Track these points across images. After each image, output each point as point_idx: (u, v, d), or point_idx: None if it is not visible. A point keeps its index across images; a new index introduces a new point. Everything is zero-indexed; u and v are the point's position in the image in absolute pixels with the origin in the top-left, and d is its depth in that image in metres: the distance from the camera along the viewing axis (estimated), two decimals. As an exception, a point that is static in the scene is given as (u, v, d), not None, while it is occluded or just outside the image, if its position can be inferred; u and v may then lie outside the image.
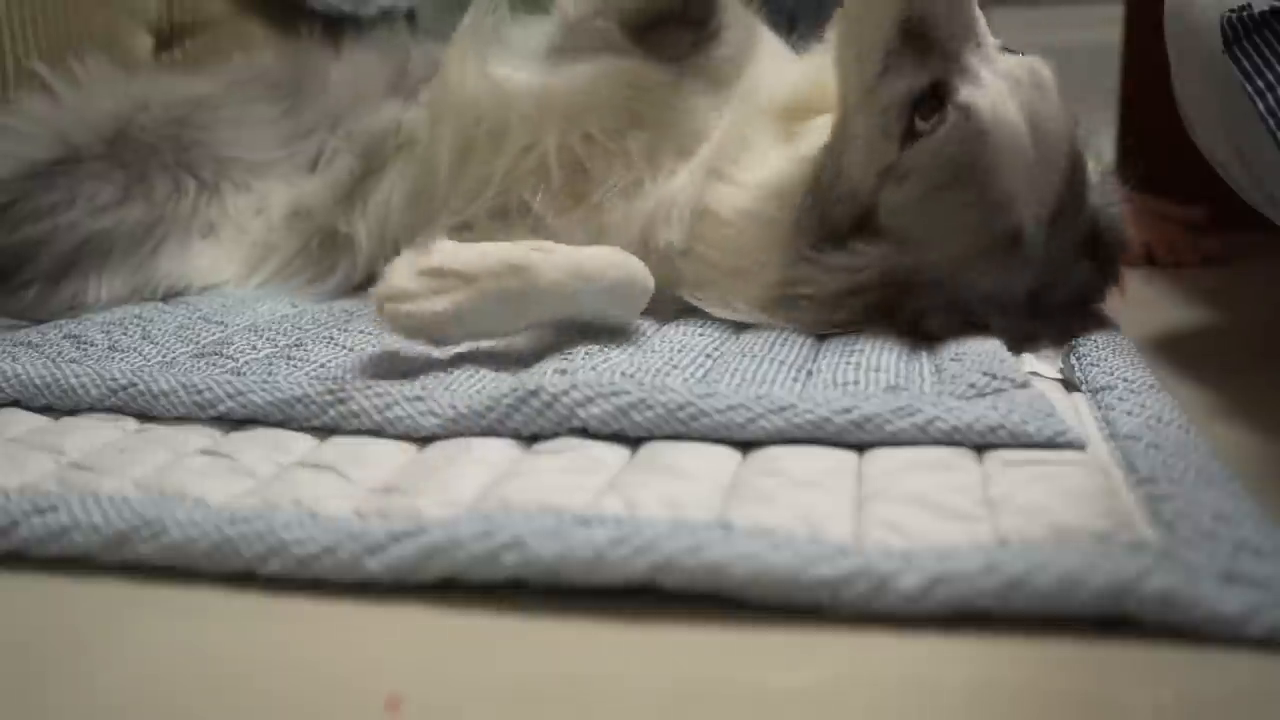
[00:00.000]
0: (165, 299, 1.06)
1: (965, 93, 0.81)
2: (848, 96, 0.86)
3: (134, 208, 1.03)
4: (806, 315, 0.85)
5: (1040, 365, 0.81)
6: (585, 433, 0.68)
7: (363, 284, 1.09)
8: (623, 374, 0.74)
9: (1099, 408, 0.72)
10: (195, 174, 1.07)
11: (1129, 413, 0.69)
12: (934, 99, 0.81)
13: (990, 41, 0.84)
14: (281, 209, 1.09)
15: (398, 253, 1.01)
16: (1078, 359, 0.82)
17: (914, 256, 0.83)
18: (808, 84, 0.94)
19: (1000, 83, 0.82)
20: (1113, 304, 0.96)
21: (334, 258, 1.08)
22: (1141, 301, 1.15)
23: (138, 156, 1.05)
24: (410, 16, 1.53)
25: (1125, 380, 0.75)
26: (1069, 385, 0.77)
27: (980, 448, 0.65)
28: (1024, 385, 0.70)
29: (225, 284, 1.08)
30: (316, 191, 1.08)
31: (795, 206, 0.87)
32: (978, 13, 0.84)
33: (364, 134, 1.07)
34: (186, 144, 1.07)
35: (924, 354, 0.80)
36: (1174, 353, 0.95)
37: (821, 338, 0.85)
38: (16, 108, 1.10)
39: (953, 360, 0.76)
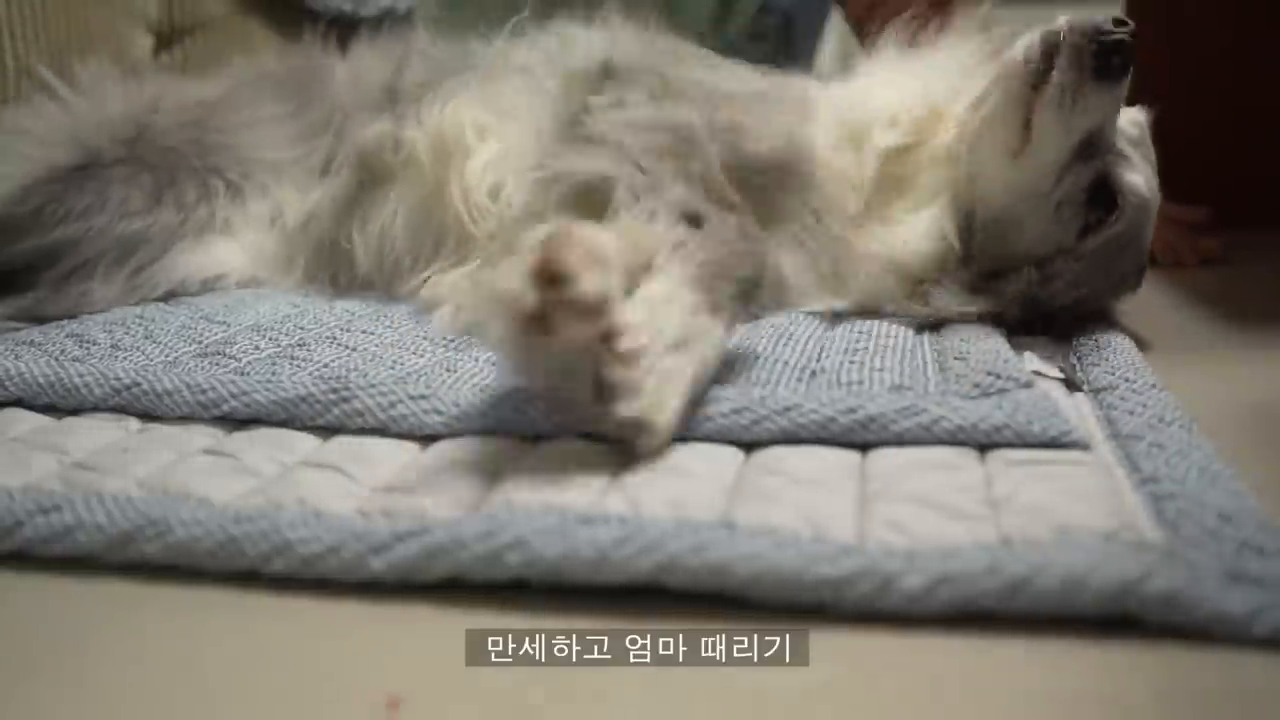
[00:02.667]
0: (176, 295, 1.06)
1: (1128, 179, 0.90)
2: (1013, 191, 0.91)
3: (165, 211, 1.03)
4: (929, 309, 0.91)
5: (1042, 365, 0.81)
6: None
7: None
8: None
9: (1101, 407, 0.72)
10: (223, 176, 1.07)
11: (1131, 412, 0.70)
12: (1102, 187, 0.90)
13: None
14: (296, 217, 1.09)
15: (396, 274, 1.01)
16: (1079, 359, 0.83)
17: (1053, 290, 0.92)
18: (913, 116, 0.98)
19: (1138, 155, 0.93)
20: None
21: (334, 267, 1.09)
22: (1141, 301, 1.15)
23: (164, 160, 1.05)
24: (409, 17, 1.53)
25: (1127, 380, 0.75)
26: (1071, 385, 0.77)
27: (984, 447, 0.65)
28: (1028, 385, 0.71)
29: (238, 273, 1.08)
30: (322, 202, 1.08)
31: (931, 266, 0.93)
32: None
33: (361, 149, 1.07)
34: (210, 146, 1.07)
35: (927, 352, 0.80)
36: (1174, 353, 0.95)
37: (823, 335, 0.85)
38: (29, 111, 1.10)
39: (956, 359, 0.77)
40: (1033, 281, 0.91)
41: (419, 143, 1.02)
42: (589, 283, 0.57)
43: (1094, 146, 0.89)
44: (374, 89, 1.11)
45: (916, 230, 0.94)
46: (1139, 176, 0.91)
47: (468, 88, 1.03)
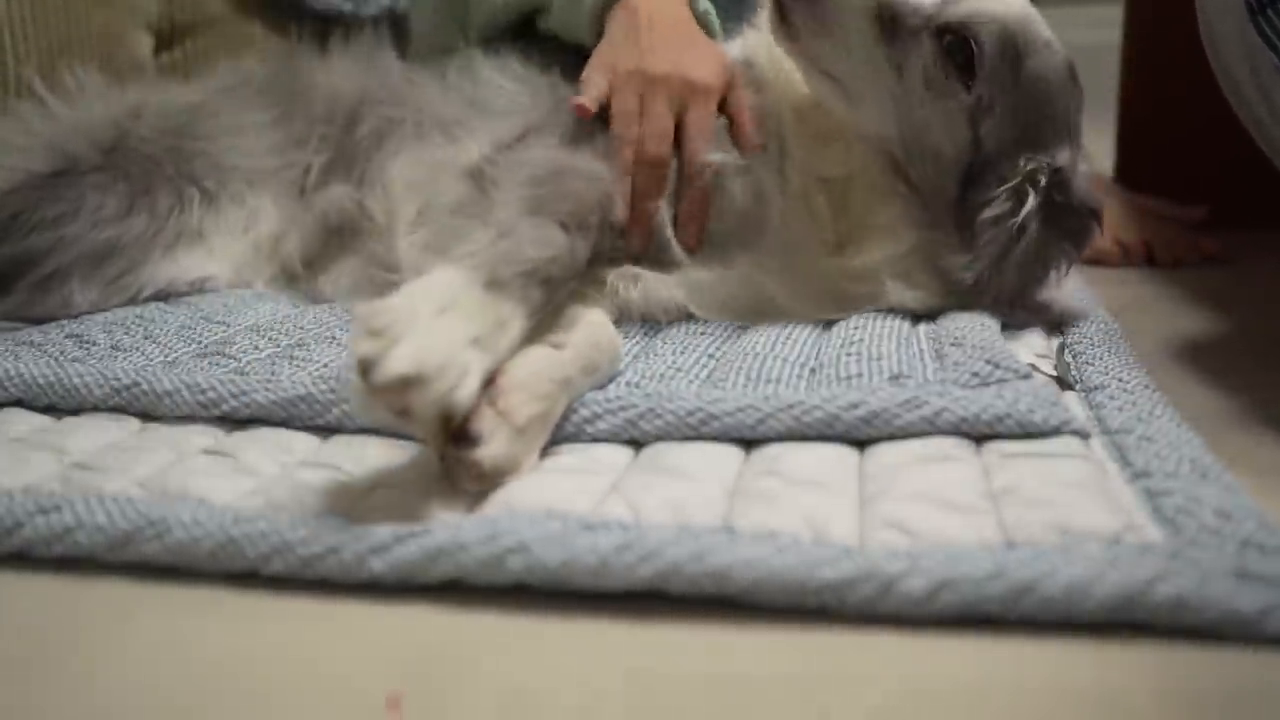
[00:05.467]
0: (158, 298, 1.06)
1: (964, 7, 0.86)
2: (882, 116, 0.89)
3: (137, 220, 1.03)
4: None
5: (1036, 362, 0.81)
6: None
7: None
8: (627, 384, 0.74)
9: (1090, 406, 0.72)
10: (199, 185, 1.07)
11: (1119, 409, 0.70)
12: (946, 34, 0.86)
13: None
14: (270, 230, 1.09)
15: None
16: (1073, 357, 0.83)
17: (1040, 147, 0.87)
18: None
19: None
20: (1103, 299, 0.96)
21: (298, 287, 1.09)
22: (1141, 302, 1.15)
23: (141, 169, 1.05)
24: (406, 18, 1.53)
25: (1119, 380, 0.75)
26: (1062, 384, 0.78)
27: (981, 439, 0.65)
28: (1027, 376, 0.71)
29: (214, 279, 1.09)
30: (290, 234, 1.09)
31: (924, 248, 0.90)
32: None
33: (325, 212, 1.07)
34: (189, 154, 1.07)
35: (923, 340, 0.80)
36: (1173, 353, 0.95)
37: (824, 329, 0.85)
38: (10, 118, 1.10)
39: (953, 345, 0.76)
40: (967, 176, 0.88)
41: (376, 207, 1.04)
42: (492, 450, 0.59)
43: (894, 21, 0.86)
44: (339, 118, 1.11)
45: (888, 226, 0.91)
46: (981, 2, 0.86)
47: (407, 147, 1.05)
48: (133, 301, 1.04)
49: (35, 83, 1.14)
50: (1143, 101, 1.56)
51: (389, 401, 0.56)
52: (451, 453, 0.60)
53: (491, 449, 0.59)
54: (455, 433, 0.59)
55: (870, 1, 0.85)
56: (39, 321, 0.97)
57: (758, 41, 1.01)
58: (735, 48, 1.03)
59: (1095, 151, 1.51)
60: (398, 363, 0.55)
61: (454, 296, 0.63)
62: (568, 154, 0.93)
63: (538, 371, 0.65)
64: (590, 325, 0.76)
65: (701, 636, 0.50)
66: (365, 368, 0.56)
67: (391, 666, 0.49)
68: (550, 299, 0.73)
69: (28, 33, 1.22)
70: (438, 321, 0.60)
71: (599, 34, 1.02)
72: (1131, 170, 1.55)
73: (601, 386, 0.73)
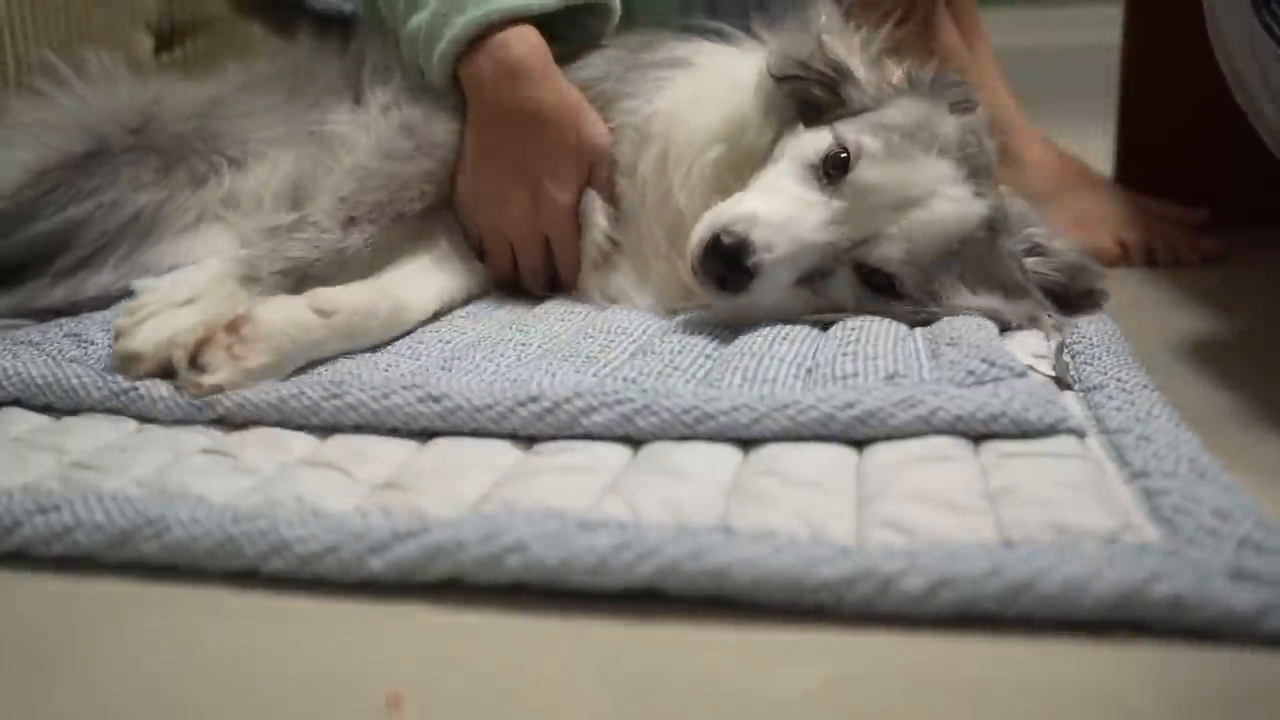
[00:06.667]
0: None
1: (876, 255, 0.86)
2: (793, 310, 0.89)
3: (177, 182, 1.06)
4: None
5: (1035, 362, 0.81)
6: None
7: None
8: (624, 379, 0.74)
9: (1089, 406, 0.72)
10: (225, 155, 1.10)
11: (1118, 408, 0.70)
12: (862, 268, 0.86)
13: None
14: (287, 172, 1.10)
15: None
16: (1072, 357, 0.82)
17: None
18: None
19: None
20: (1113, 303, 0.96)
21: None
22: (1141, 302, 1.15)
23: (171, 145, 1.07)
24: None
25: (1118, 380, 0.75)
26: (1061, 384, 0.77)
27: (978, 439, 0.65)
28: (1023, 375, 0.71)
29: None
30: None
31: None
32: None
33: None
34: (214, 133, 1.10)
35: (919, 339, 0.80)
36: (1174, 353, 0.95)
37: (823, 329, 0.86)
38: (44, 102, 1.11)
39: (949, 345, 0.76)
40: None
41: None
42: (214, 379, 0.74)
43: (813, 273, 0.86)
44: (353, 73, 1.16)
45: None
46: (892, 247, 0.84)
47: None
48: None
49: (57, 64, 1.15)
50: (1143, 101, 1.55)
51: (122, 365, 0.78)
52: (184, 367, 0.75)
53: (214, 379, 0.74)
54: (192, 357, 0.75)
55: (794, 276, 0.85)
56: (46, 312, 0.97)
57: (690, 93, 1.00)
58: (676, 93, 1.00)
59: (1095, 151, 1.52)
60: (131, 342, 0.77)
61: (204, 289, 0.83)
62: (436, 111, 1.03)
63: (284, 330, 0.78)
64: (378, 292, 0.89)
65: (700, 636, 0.50)
66: (116, 337, 0.79)
67: (391, 666, 0.49)
68: (304, 283, 0.88)
69: (28, 32, 1.22)
70: (178, 312, 0.80)
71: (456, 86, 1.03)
72: (1131, 170, 1.55)
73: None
